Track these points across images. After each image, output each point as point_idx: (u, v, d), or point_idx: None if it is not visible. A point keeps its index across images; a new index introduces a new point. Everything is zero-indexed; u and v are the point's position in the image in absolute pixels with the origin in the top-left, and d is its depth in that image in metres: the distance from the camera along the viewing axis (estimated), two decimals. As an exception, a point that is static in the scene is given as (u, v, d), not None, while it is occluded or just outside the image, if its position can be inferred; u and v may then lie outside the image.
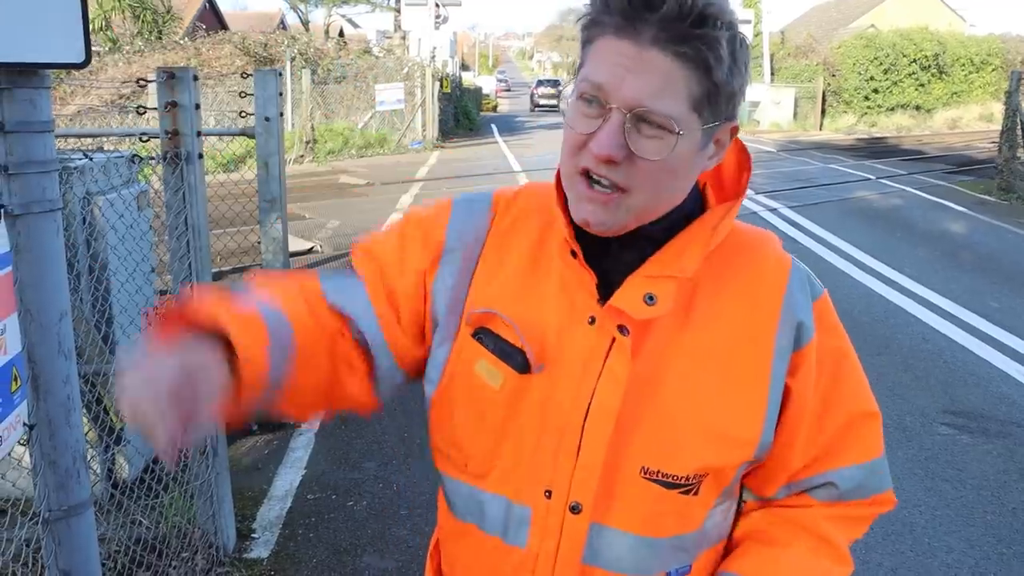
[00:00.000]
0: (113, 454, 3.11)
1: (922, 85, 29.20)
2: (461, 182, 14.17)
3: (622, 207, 0.94)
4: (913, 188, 13.78)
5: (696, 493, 1.02)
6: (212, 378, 0.88)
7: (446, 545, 1.18)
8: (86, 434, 2.11)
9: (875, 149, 20.83)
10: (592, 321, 1.00)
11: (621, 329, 0.98)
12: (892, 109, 28.81)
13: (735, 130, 0.99)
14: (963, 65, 29.69)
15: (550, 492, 1.02)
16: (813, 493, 1.11)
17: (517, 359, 1.02)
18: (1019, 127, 12.98)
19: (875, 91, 28.77)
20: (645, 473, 1.00)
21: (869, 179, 14.81)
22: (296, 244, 7.93)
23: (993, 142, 17.94)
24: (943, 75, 29.42)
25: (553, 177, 1.04)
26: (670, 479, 1.00)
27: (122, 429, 2.99)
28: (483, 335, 1.04)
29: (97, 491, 2.84)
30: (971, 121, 28.15)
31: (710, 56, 0.89)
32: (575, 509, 1.01)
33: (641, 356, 0.99)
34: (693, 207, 1.03)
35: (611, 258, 1.01)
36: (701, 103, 0.91)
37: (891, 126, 27.53)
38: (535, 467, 1.02)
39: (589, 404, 0.99)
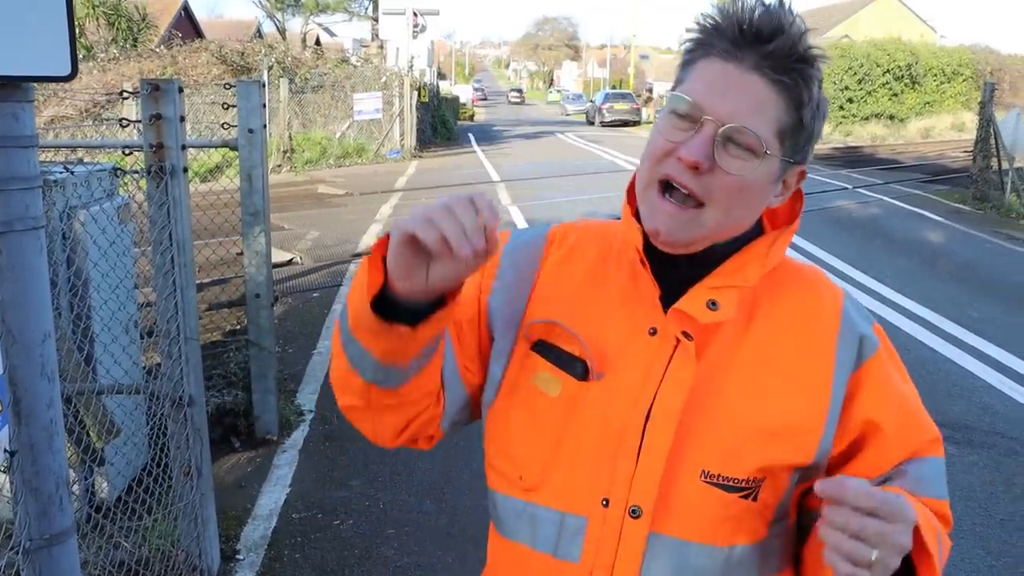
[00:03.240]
0: (93, 476, 3.02)
1: (895, 95, 29.52)
2: (441, 192, 14.12)
3: (695, 221, 0.99)
4: (890, 197, 13.91)
5: (755, 499, 1.01)
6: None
7: (491, 571, 1.15)
8: (67, 458, 2.04)
9: (851, 158, 21.00)
10: (653, 332, 1.04)
11: (685, 335, 1.02)
12: (867, 118, 29.08)
13: (803, 175, 1.06)
14: (935, 75, 30.05)
15: (607, 500, 1.01)
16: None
17: (577, 367, 1.04)
18: (993, 137, 13.16)
19: (849, 100, 29.03)
20: (705, 477, 1.00)
21: (846, 188, 14.94)
22: (276, 255, 7.82)
23: (965, 151, 18.17)
24: (916, 85, 29.76)
25: (624, 191, 1.10)
26: (730, 482, 1.00)
27: (103, 449, 2.90)
28: (541, 347, 1.08)
29: (77, 514, 2.76)
30: (943, 130, 28.47)
31: (804, 91, 0.97)
32: (635, 512, 1.00)
33: (702, 363, 1.02)
34: (751, 234, 1.08)
35: (673, 275, 1.04)
36: (785, 134, 0.98)
37: (866, 135, 27.78)
38: (592, 475, 1.02)
39: (650, 408, 1.00)
